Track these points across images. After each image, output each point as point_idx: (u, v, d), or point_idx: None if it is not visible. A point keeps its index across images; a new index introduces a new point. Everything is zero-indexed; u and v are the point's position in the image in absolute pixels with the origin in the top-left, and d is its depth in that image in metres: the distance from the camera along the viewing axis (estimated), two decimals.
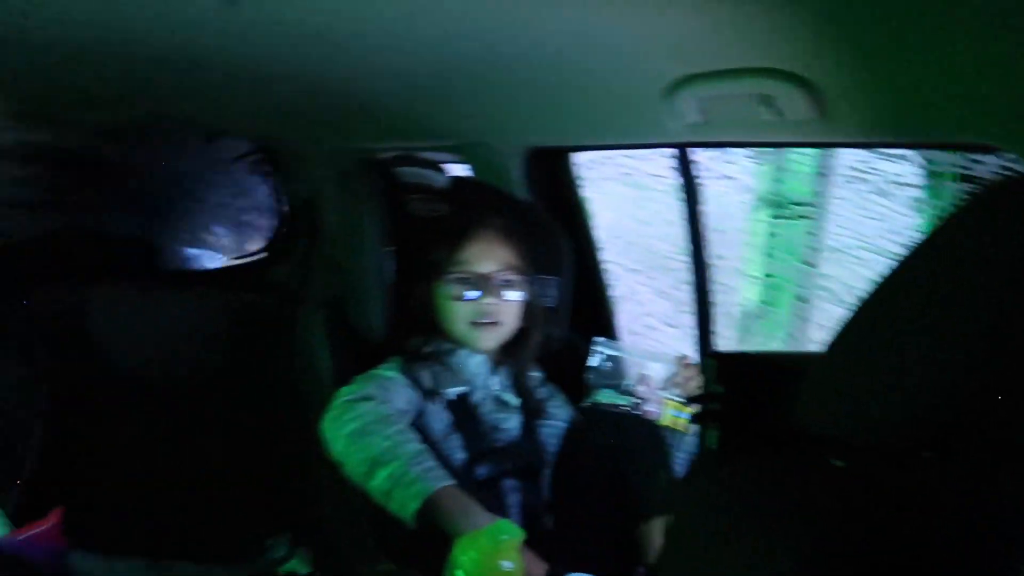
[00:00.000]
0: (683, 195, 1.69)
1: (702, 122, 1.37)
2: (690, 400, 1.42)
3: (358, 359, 1.53)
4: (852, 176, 3.49)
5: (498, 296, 1.49)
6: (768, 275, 3.52)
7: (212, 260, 3.46)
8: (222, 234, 3.58)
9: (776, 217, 3.48)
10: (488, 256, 1.50)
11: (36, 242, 2.70)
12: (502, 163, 1.96)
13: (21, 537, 1.50)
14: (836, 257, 3.43)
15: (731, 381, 0.86)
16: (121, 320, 2.35)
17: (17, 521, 1.53)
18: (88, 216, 2.95)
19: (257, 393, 2.31)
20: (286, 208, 3.11)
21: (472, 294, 1.48)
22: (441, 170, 1.82)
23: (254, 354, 2.40)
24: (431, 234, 1.56)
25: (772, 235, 3.50)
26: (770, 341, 3.38)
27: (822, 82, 1.12)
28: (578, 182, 1.96)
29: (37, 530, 1.53)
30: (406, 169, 1.79)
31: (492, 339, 1.51)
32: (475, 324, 1.49)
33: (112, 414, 2.16)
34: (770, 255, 3.51)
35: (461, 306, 1.49)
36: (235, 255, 3.53)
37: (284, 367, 1.97)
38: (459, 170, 1.99)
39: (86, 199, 3.11)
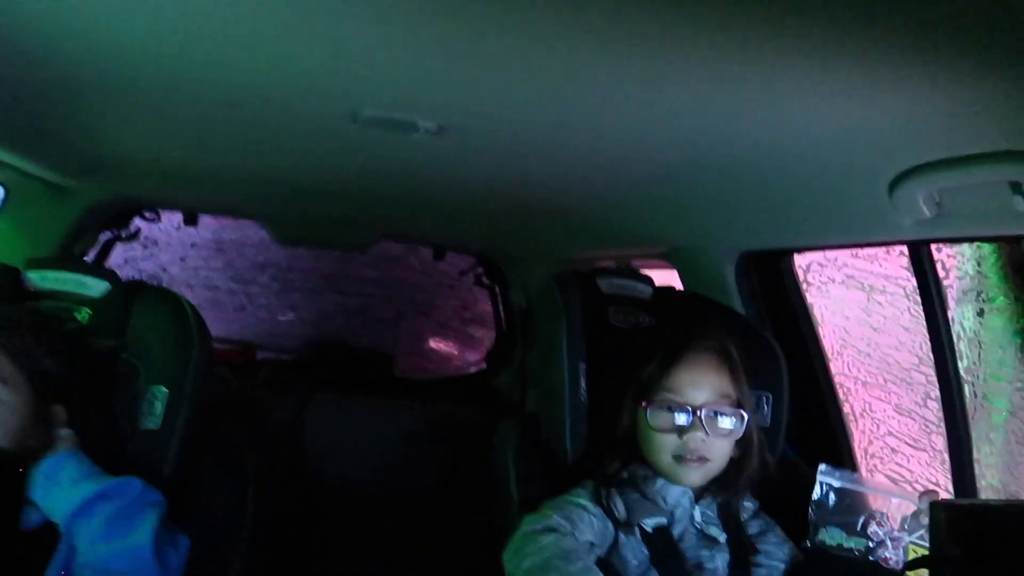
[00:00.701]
0: (922, 296, 1.48)
1: (937, 215, 1.21)
2: (923, 562, 1.17)
3: (549, 480, 1.43)
4: None
5: (708, 431, 1.33)
6: (979, 374, 2.99)
7: (438, 371, 3.58)
8: (448, 345, 3.71)
9: (982, 310, 2.98)
10: (699, 384, 1.34)
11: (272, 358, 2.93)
12: (714, 268, 1.84)
13: None
14: None
15: (968, 536, 0.69)
16: (338, 430, 2.43)
17: None
18: (323, 332, 3.19)
19: (465, 512, 2.27)
20: (507, 319, 3.17)
21: (679, 425, 1.33)
22: (648, 281, 1.71)
23: (464, 468, 2.38)
24: (637, 352, 1.43)
25: (981, 329, 2.99)
26: (986, 446, 2.86)
27: None
28: (798, 287, 1.79)
29: None
30: (611, 279, 1.69)
31: (698, 476, 1.34)
32: (680, 458, 1.33)
33: (313, 524, 2.20)
34: (980, 351, 2.99)
35: (665, 437, 1.33)
36: (459, 366, 3.63)
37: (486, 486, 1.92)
38: (669, 276, 1.89)
39: (323, 316, 3.39)
